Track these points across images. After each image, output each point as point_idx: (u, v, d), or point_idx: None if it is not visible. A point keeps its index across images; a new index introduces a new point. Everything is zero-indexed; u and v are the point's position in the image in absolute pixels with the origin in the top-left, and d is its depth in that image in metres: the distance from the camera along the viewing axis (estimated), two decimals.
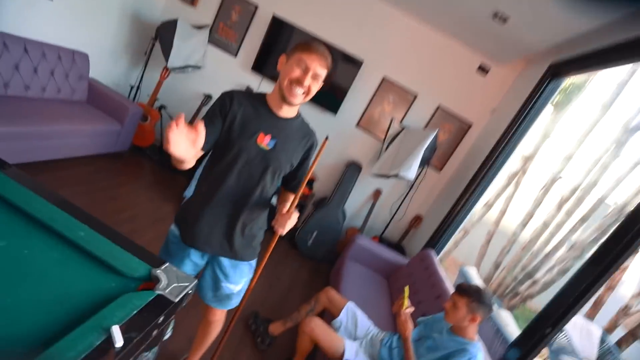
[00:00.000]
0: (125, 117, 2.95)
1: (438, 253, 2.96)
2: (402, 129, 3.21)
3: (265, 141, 1.14)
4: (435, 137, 2.89)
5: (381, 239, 3.32)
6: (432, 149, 2.98)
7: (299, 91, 1.09)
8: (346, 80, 3.30)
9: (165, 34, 3.08)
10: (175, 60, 3.14)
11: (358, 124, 3.44)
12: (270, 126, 1.15)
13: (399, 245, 3.40)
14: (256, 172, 1.16)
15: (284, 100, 1.11)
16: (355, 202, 3.56)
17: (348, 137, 3.48)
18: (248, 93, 1.20)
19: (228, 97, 1.14)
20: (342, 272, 2.61)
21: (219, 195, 1.17)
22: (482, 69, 3.18)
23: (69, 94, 2.82)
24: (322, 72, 1.10)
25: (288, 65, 1.10)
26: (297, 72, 1.08)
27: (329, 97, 3.36)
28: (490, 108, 3.21)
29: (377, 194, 3.46)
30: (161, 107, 3.52)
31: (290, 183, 1.31)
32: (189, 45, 3.23)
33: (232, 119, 1.12)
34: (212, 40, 3.48)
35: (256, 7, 3.36)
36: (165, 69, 3.24)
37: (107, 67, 3.25)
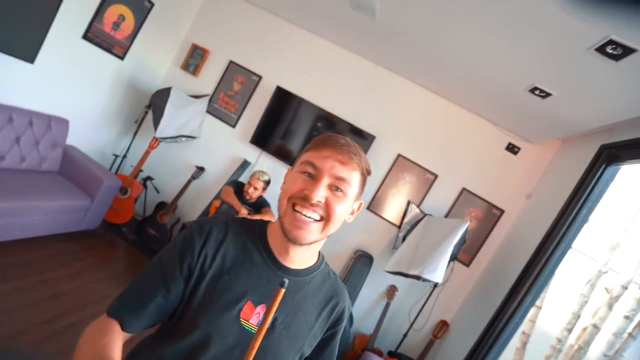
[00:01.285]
0: (98, 191, 2.52)
1: None
2: (424, 215, 2.71)
3: (254, 316, 0.62)
4: (466, 229, 2.36)
5: (398, 357, 2.57)
6: (460, 242, 2.43)
7: (308, 214, 0.60)
8: None
9: (158, 102, 2.82)
10: (165, 129, 2.83)
11: (369, 206, 2.95)
12: (267, 288, 0.64)
13: None
14: None
15: (287, 237, 0.62)
16: (366, 301, 2.90)
17: (356, 222, 2.96)
18: (241, 223, 0.70)
19: (199, 233, 0.64)
20: None
21: None
22: (511, 148, 2.78)
23: (35, 163, 2.44)
24: (350, 176, 0.62)
25: (289, 177, 0.66)
26: (300, 182, 0.62)
27: None
28: (524, 192, 2.73)
29: (392, 291, 2.81)
30: (147, 179, 3.13)
31: None
32: (183, 115, 2.95)
33: (200, 274, 0.62)
34: (210, 109, 3.23)
35: (260, 78, 3.16)
36: (155, 138, 2.92)
37: (92, 134, 2.95)
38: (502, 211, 2.76)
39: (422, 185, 2.88)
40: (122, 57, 2.84)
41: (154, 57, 3.16)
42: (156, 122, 2.80)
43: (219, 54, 3.26)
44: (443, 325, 2.74)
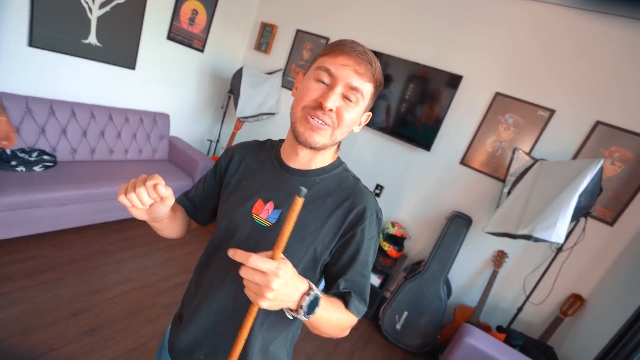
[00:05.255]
0: (195, 172, 2.87)
1: None
2: (534, 161, 2.14)
3: (264, 212, 0.69)
4: (599, 171, 1.74)
5: (509, 334, 2.14)
6: (592, 191, 1.81)
7: (320, 121, 0.62)
8: (440, 105, 2.51)
9: (235, 84, 2.99)
10: (244, 109, 2.99)
11: (462, 160, 2.51)
12: (276, 187, 0.71)
13: (543, 346, 2.14)
14: None
15: (298, 140, 0.66)
16: (466, 270, 2.52)
17: (449, 179, 2.57)
18: (263, 143, 0.82)
19: (226, 153, 0.81)
20: None
21: (212, 294, 0.73)
22: None
23: (150, 154, 2.93)
24: (363, 86, 0.62)
25: (303, 84, 0.66)
26: (314, 90, 0.63)
27: (418, 127, 2.60)
28: None
29: (500, 257, 2.35)
30: None
31: (331, 287, 0.68)
32: (260, 93, 3.06)
33: (227, 183, 0.78)
34: (285, 83, 3.26)
35: (327, 40, 3.00)
36: (238, 120, 3.13)
37: (189, 124, 3.36)
38: None
39: (533, 126, 2.27)
40: (202, 50, 3.10)
41: (229, 44, 3.35)
42: (236, 104, 2.99)
43: (286, 26, 3.24)
44: (576, 300, 2.15)
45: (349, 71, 0.61)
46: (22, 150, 2.15)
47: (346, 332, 0.68)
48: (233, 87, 3.05)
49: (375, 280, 2.51)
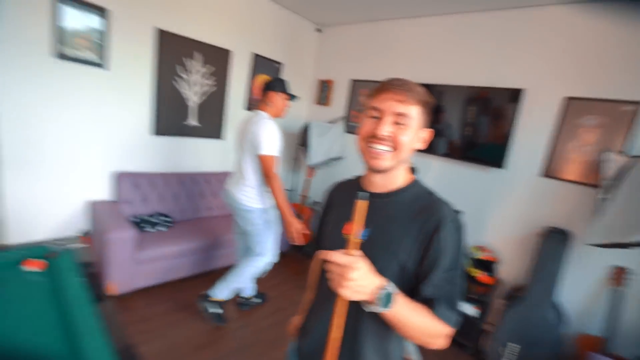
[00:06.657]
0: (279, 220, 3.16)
1: None
2: (635, 158, 1.94)
3: (352, 231, 0.79)
4: None
5: None
6: None
7: (380, 148, 0.77)
8: (505, 121, 2.48)
9: (304, 137, 3.35)
10: (315, 157, 3.30)
11: (545, 172, 2.37)
12: None
13: None
14: None
15: (369, 167, 0.82)
16: (578, 292, 2.22)
17: (532, 194, 2.42)
18: (351, 178, 0.98)
19: (324, 195, 1.03)
20: None
21: (323, 308, 0.87)
22: None
23: None
24: (408, 110, 0.75)
25: (361, 122, 0.82)
26: (369, 125, 0.79)
27: (486, 147, 2.57)
28: None
29: (618, 274, 2.06)
30: (314, 203, 3.67)
31: (416, 295, 0.76)
32: (327, 140, 3.37)
33: (325, 216, 0.99)
34: (347, 129, 3.54)
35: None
36: (309, 167, 3.43)
37: None
38: None
39: (619, 123, 2.09)
40: None
41: (294, 103, 3.80)
42: (306, 154, 3.32)
43: (341, 79, 3.61)
44: None
45: (391, 102, 0.74)
46: (148, 215, 2.67)
47: (439, 341, 0.73)
48: (303, 140, 3.41)
49: (471, 310, 2.36)
